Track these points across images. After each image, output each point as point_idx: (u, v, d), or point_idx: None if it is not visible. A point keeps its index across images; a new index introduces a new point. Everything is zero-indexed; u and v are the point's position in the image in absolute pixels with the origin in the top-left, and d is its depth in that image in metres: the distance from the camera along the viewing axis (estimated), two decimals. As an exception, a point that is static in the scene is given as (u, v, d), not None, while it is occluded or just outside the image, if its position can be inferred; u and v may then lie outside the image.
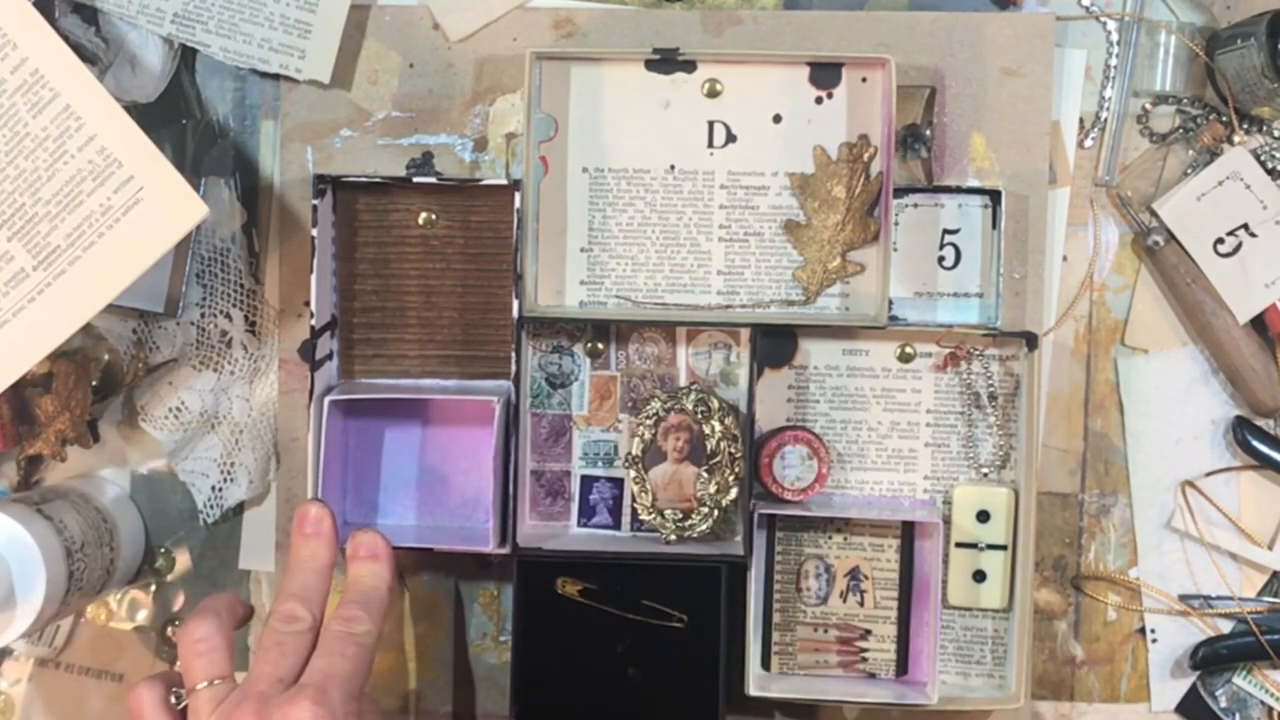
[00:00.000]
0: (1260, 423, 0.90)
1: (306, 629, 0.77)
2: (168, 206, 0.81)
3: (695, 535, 0.89)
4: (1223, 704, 0.92)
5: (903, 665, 0.91)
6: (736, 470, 0.88)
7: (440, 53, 0.91)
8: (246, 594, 0.94)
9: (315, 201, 0.88)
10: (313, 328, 0.88)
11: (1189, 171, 0.90)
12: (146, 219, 0.81)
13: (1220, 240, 0.89)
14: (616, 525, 0.91)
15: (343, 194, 0.91)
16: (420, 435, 0.92)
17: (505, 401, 0.88)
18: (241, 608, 0.82)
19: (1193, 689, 0.92)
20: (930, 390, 0.90)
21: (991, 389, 0.89)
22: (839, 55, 0.87)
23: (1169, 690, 0.92)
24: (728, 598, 0.87)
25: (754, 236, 0.89)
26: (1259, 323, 0.90)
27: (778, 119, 0.89)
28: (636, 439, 0.89)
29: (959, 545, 0.89)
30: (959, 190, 0.89)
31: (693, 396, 0.88)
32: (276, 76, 0.91)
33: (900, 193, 0.89)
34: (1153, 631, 0.92)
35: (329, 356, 0.91)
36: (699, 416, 0.88)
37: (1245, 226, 0.89)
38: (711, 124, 0.89)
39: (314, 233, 0.87)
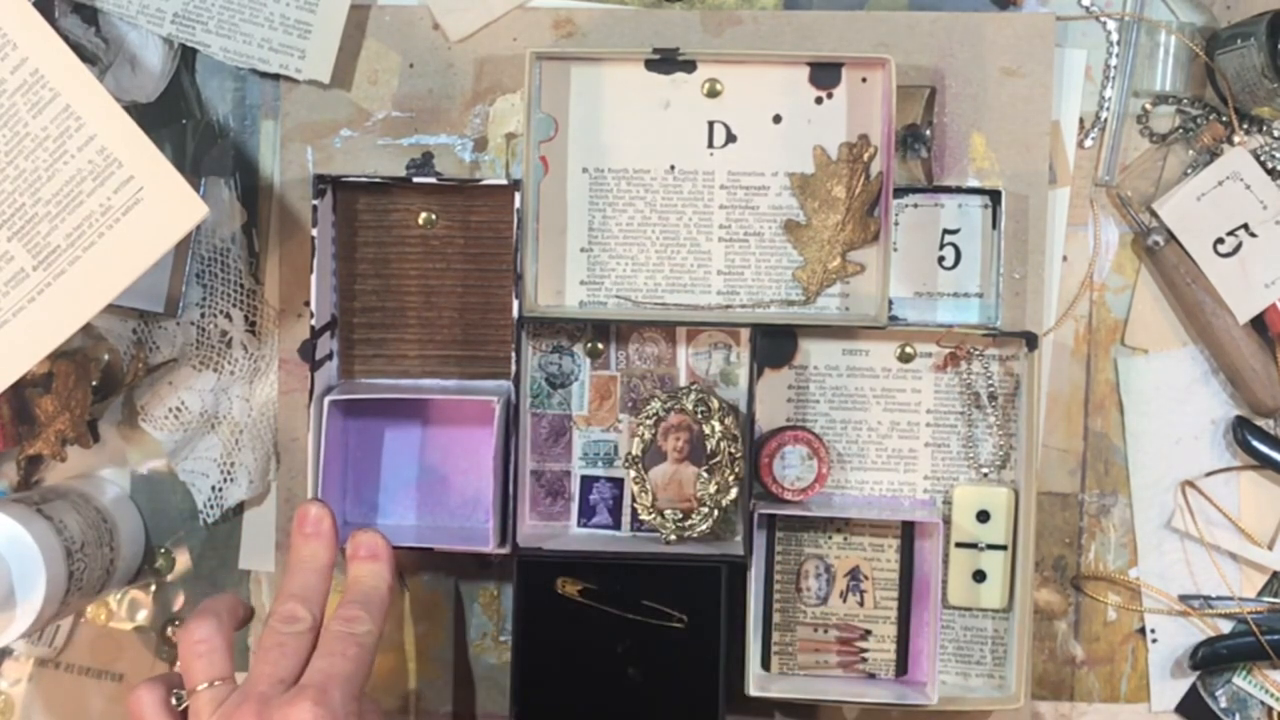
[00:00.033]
0: (1260, 423, 0.90)
1: (307, 629, 0.77)
2: (168, 206, 0.81)
3: (695, 535, 0.89)
4: (1223, 704, 0.92)
5: (903, 665, 0.91)
6: (736, 470, 0.88)
7: (440, 53, 0.91)
8: (246, 594, 0.94)
9: (315, 201, 0.88)
10: (313, 328, 0.88)
11: (1189, 171, 0.90)
12: (146, 219, 0.81)
13: (1220, 240, 0.89)
14: (616, 525, 0.91)
15: (343, 194, 0.91)
16: (420, 435, 0.92)
17: (505, 401, 0.88)
18: (242, 609, 0.82)
19: (1193, 689, 0.92)
20: (930, 390, 0.90)
21: (991, 389, 0.89)
22: (839, 55, 0.87)
23: (1169, 690, 0.92)
24: (728, 598, 0.87)
25: (754, 236, 0.89)
26: (1259, 323, 0.90)
27: (778, 119, 0.89)
28: (636, 439, 0.89)
29: (959, 545, 0.89)
30: (959, 190, 0.89)
31: (693, 396, 0.88)
32: (276, 76, 0.91)
33: (900, 193, 0.89)
34: (1153, 631, 0.92)
35: (329, 356, 0.91)
36: (699, 416, 0.88)
37: (1245, 226, 0.89)
38: (711, 124, 0.89)
39: (314, 233, 0.87)
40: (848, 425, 0.90)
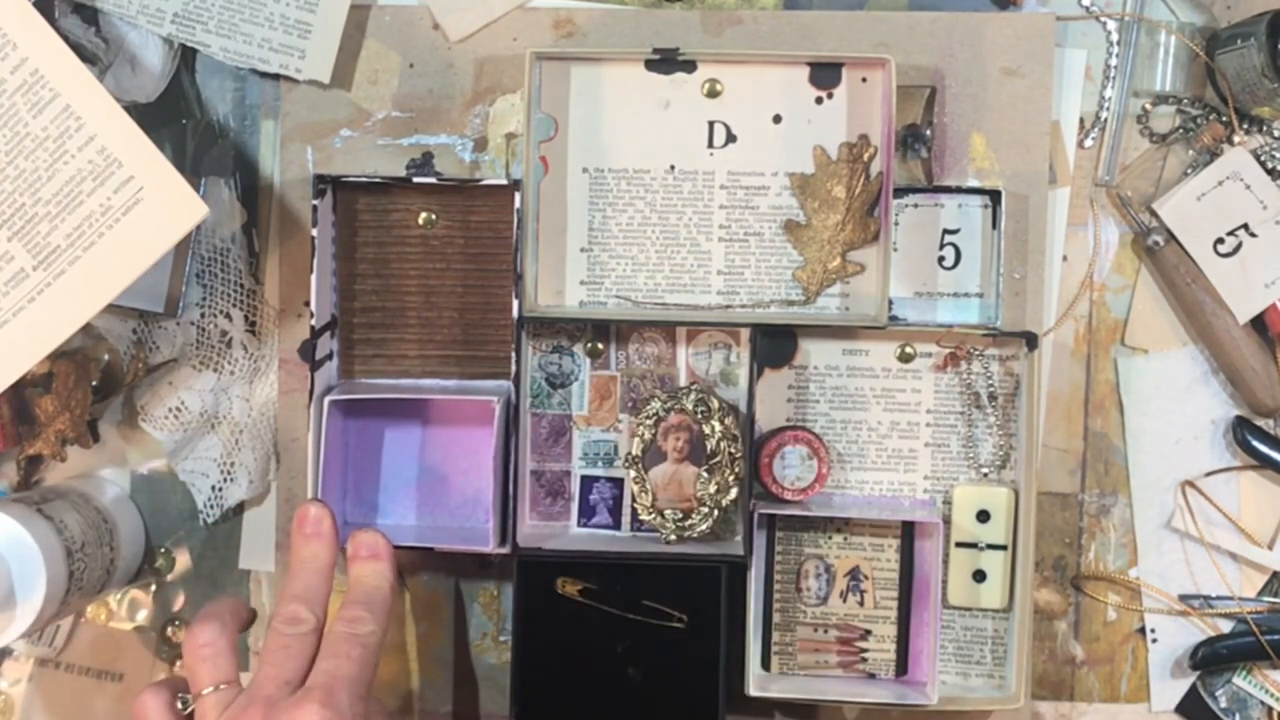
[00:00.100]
0: (1260, 423, 0.91)
1: (310, 630, 0.77)
2: (168, 206, 0.81)
3: (695, 535, 0.89)
4: (1223, 704, 0.92)
5: (903, 665, 0.91)
6: (736, 470, 0.88)
7: (440, 53, 0.91)
8: (246, 594, 0.94)
9: (315, 201, 0.88)
10: (313, 328, 0.88)
11: (1189, 171, 0.90)
12: (146, 219, 0.81)
13: (1220, 240, 0.89)
14: (616, 525, 0.91)
15: (343, 194, 0.91)
16: (420, 435, 0.92)
17: (505, 401, 0.88)
18: (245, 612, 0.82)
19: (1193, 689, 0.92)
20: (930, 390, 0.90)
21: (991, 389, 0.89)
22: (839, 55, 0.87)
23: (1169, 690, 0.92)
24: (728, 598, 0.87)
25: (754, 236, 0.89)
26: (1259, 323, 0.90)
27: (778, 119, 0.89)
28: (636, 439, 0.89)
29: (959, 545, 0.89)
30: (959, 190, 0.89)
31: (693, 396, 0.88)
32: (276, 76, 0.91)
33: (900, 193, 0.89)
34: (1153, 631, 0.92)
35: (329, 356, 0.90)
36: (699, 416, 0.88)
37: (1245, 226, 0.89)
38: (711, 124, 0.89)
39: (314, 233, 0.87)
40: (848, 425, 0.90)
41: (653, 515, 0.89)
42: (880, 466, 0.90)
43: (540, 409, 0.91)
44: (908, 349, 0.90)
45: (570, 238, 0.90)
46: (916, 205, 0.89)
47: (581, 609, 0.89)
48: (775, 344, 0.90)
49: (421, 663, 0.94)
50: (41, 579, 0.83)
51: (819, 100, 0.88)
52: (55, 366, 0.89)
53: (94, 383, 0.92)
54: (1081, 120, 0.90)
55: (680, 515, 0.89)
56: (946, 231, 0.89)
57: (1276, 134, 0.89)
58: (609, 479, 0.91)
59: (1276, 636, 0.90)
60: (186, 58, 0.92)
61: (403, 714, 0.93)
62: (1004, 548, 0.89)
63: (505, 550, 0.87)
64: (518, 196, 0.87)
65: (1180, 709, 0.92)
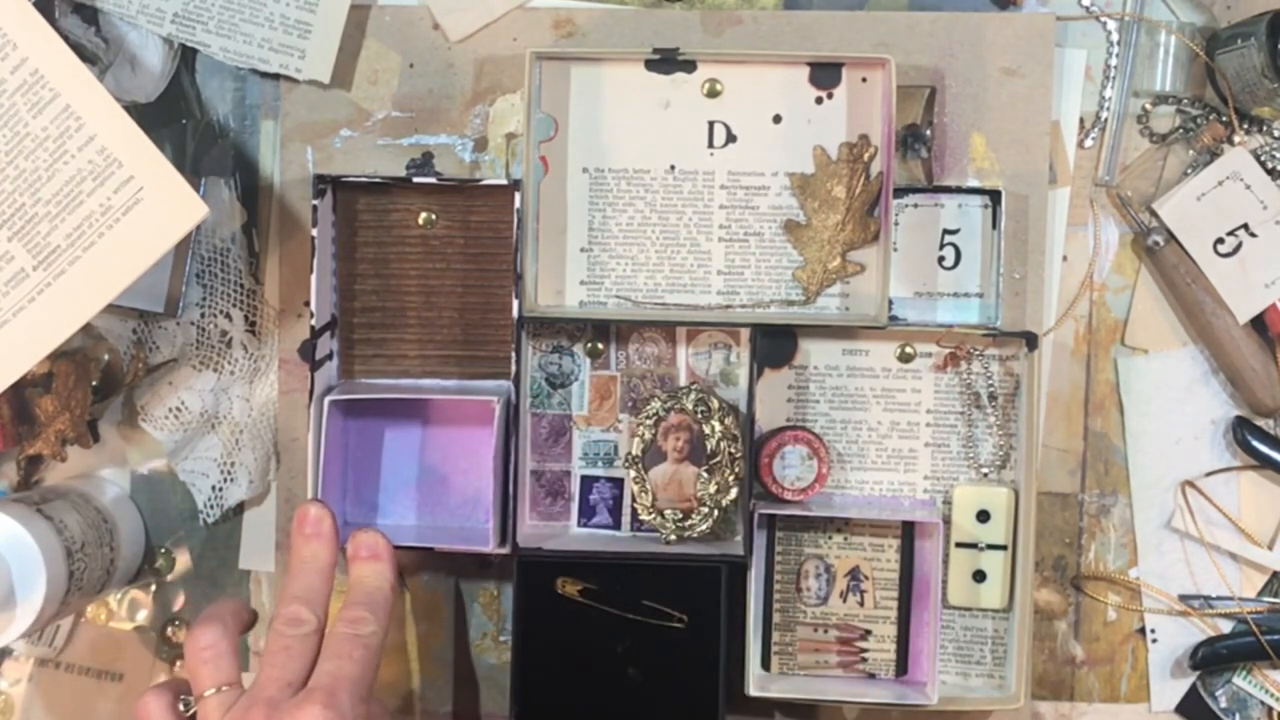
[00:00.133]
0: (1260, 423, 0.91)
1: (312, 631, 0.77)
2: (168, 206, 0.81)
3: (695, 535, 0.89)
4: (1223, 704, 0.92)
5: (903, 665, 0.91)
6: (736, 470, 0.88)
7: (440, 53, 0.91)
8: (246, 594, 0.94)
9: (315, 201, 0.87)
10: (313, 328, 0.88)
11: (1189, 171, 0.90)
12: (146, 219, 0.81)
13: (1220, 240, 0.89)
14: (616, 525, 0.91)
15: (343, 194, 0.91)
16: (420, 435, 0.92)
17: (505, 401, 0.88)
18: (246, 613, 0.82)
19: (1193, 689, 0.92)
20: (930, 390, 0.90)
21: (991, 389, 0.89)
22: (839, 55, 0.87)
23: (1169, 690, 0.92)
24: (728, 598, 0.87)
25: (754, 236, 0.89)
26: (1259, 323, 0.90)
27: (778, 119, 0.89)
28: (636, 439, 0.89)
29: (959, 545, 0.89)
30: (959, 190, 0.89)
31: (693, 396, 0.88)
32: (276, 76, 0.91)
33: (900, 193, 0.89)
34: (1153, 631, 0.92)
35: (329, 356, 0.90)
36: (699, 416, 0.88)
37: (1245, 226, 0.89)
38: (711, 124, 0.89)
39: (314, 233, 0.87)
40: (848, 425, 0.90)
41: (653, 515, 0.89)
42: (880, 466, 0.90)
43: (540, 409, 0.91)
44: (908, 349, 0.90)
45: (570, 238, 0.90)
46: (916, 205, 0.89)
47: (581, 609, 0.89)
48: (775, 344, 0.90)
49: (422, 663, 0.94)
50: (41, 579, 0.83)
51: (819, 100, 0.88)
52: (55, 366, 0.89)
53: (94, 383, 0.92)
54: (1081, 120, 0.90)
55: (680, 515, 0.89)
56: (946, 231, 0.89)
57: (1276, 134, 0.89)
58: (609, 479, 0.91)
59: (1276, 636, 0.90)
60: (186, 58, 0.92)
61: (403, 714, 0.94)
62: (1004, 548, 0.89)
63: (505, 550, 0.87)
64: (518, 196, 0.87)
65: (1180, 709, 0.92)
